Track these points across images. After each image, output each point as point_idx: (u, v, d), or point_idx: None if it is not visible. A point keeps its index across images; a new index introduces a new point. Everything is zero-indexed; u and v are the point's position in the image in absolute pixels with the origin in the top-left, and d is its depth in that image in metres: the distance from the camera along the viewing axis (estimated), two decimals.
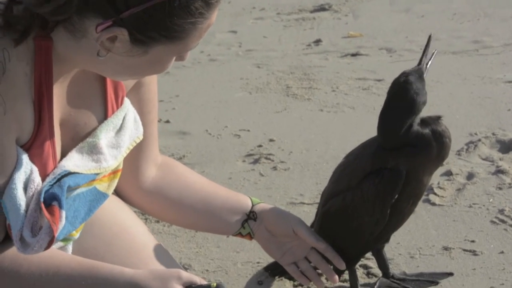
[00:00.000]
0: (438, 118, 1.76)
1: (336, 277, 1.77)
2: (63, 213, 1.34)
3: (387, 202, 1.72)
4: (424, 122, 1.74)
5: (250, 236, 1.77)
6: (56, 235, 1.33)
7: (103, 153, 1.46)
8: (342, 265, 1.77)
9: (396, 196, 1.72)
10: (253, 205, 1.77)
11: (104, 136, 1.47)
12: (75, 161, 1.42)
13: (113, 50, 1.26)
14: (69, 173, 1.39)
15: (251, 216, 1.75)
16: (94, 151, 1.45)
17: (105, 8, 1.22)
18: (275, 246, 1.77)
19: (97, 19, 1.23)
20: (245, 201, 1.77)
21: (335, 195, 1.80)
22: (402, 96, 1.70)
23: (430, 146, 1.71)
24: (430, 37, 1.76)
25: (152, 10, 1.21)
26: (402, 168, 1.71)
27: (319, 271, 1.82)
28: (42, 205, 1.33)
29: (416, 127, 1.71)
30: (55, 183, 1.36)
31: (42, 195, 1.33)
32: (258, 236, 1.77)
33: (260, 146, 2.89)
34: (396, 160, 1.71)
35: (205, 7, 1.25)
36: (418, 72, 1.73)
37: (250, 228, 1.75)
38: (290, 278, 2.02)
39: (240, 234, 1.77)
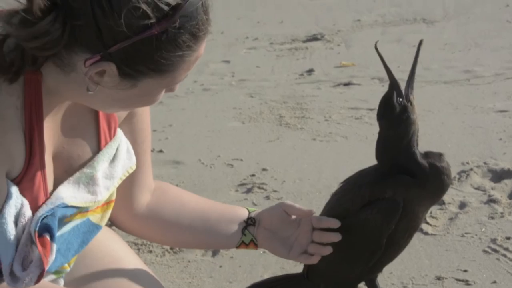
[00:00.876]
0: (440, 154, 1.76)
1: (339, 235, 1.72)
2: (54, 247, 1.34)
3: (384, 233, 1.72)
4: (426, 155, 1.74)
5: (254, 243, 1.73)
6: (47, 268, 1.32)
7: (99, 185, 1.46)
8: (336, 223, 1.73)
9: (393, 227, 1.72)
10: (249, 213, 1.75)
11: (101, 167, 1.48)
12: (71, 192, 1.42)
13: (102, 84, 1.27)
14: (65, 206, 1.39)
15: (249, 222, 1.73)
16: (91, 182, 1.45)
17: (93, 43, 1.23)
18: (280, 243, 1.73)
19: (85, 54, 1.24)
20: (242, 211, 1.75)
21: None
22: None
23: (428, 178, 1.71)
24: (421, 42, 1.75)
25: (140, 44, 1.22)
26: (399, 199, 1.71)
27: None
28: (36, 235, 1.32)
29: (417, 154, 1.71)
30: (52, 213, 1.36)
31: (38, 225, 1.33)
32: (261, 240, 1.73)
33: (253, 175, 2.90)
34: (394, 190, 1.71)
35: (192, 40, 1.26)
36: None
37: (251, 234, 1.72)
38: None
39: (243, 244, 1.74)
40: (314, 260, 1.73)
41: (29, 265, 1.33)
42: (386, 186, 1.72)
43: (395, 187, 1.70)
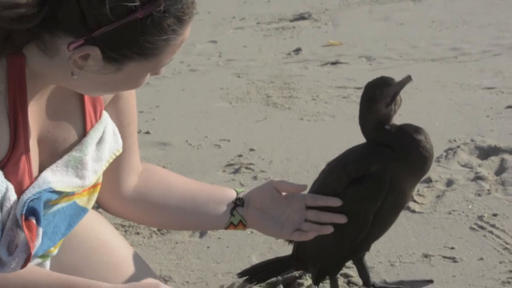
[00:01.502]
0: (417, 128, 1.76)
1: (344, 217, 1.72)
2: (40, 231, 1.33)
3: (371, 209, 1.73)
4: (403, 129, 1.74)
5: (242, 224, 1.72)
6: (33, 252, 1.32)
7: (88, 169, 1.45)
8: (338, 202, 1.73)
9: (380, 203, 1.73)
10: (237, 193, 1.75)
11: (90, 151, 1.47)
12: (59, 176, 1.41)
13: (86, 68, 1.26)
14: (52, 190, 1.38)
15: (237, 202, 1.72)
16: (79, 166, 1.44)
17: (76, 27, 1.21)
18: (271, 222, 1.71)
19: (68, 38, 1.23)
20: (230, 192, 1.75)
21: None
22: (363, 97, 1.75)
23: (406, 150, 1.71)
24: (409, 77, 1.78)
25: (124, 28, 1.21)
26: (384, 174, 1.72)
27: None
28: (22, 218, 1.31)
29: (388, 127, 1.72)
30: (38, 196, 1.35)
31: (25, 208, 1.32)
32: (250, 220, 1.72)
33: (240, 156, 2.90)
34: (378, 165, 1.71)
35: (177, 24, 1.25)
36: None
37: (240, 214, 1.72)
38: (268, 287, 2.02)
39: (232, 225, 1.73)
40: (310, 236, 1.71)
41: (15, 250, 1.32)
42: (371, 162, 1.72)
43: (379, 163, 1.71)
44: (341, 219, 1.71)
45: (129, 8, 1.20)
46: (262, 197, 1.71)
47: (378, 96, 1.73)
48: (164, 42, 1.25)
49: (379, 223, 1.76)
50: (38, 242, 1.34)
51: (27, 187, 1.37)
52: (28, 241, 1.31)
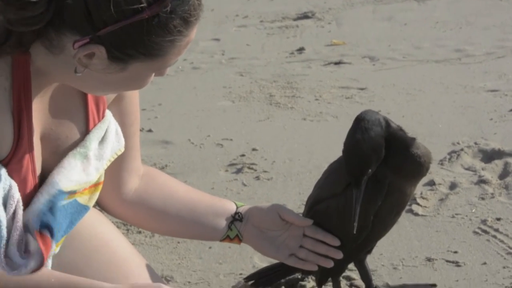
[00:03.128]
0: (410, 146, 1.73)
1: (340, 253, 1.74)
2: (54, 245, 1.34)
3: (370, 210, 1.72)
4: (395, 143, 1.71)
5: (238, 238, 1.75)
6: (45, 264, 1.33)
7: (91, 164, 1.46)
8: (336, 241, 1.74)
9: (379, 203, 1.72)
10: (237, 207, 1.76)
11: (93, 147, 1.47)
12: (67, 173, 1.41)
13: (91, 66, 1.26)
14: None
15: (236, 217, 1.74)
16: (85, 161, 1.44)
17: (82, 25, 1.21)
18: (267, 242, 1.74)
19: (74, 36, 1.22)
20: (230, 205, 1.76)
21: (319, 202, 1.79)
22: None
23: (402, 167, 1.71)
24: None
25: (129, 28, 1.21)
26: (385, 176, 1.71)
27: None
28: (36, 234, 1.33)
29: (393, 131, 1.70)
30: (50, 206, 1.36)
31: (38, 224, 1.33)
32: (247, 236, 1.74)
33: (243, 155, 2.88)
34: (379, 168, 1.71)
35: (183, 25, 1.24)
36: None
37: (237, 229, 1.73)
38: None
39: (228, 238, 1.75)
40: (308, 266, 1.74)
41: (27, 257, 1.33)
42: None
43: (380, 166, 1.69)
44: (336, 254, 1.73)
45: (135, 8, 1.20)
46: (263, 218, 1.73)
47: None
48: (170, 43, 1.25)
49: (379, 223, 1.76)
50: (51, 253, 1.36)
51: (33, 189, 1.37)
52: (43, 253, 1.32)
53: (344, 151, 1.68)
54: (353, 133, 1.65)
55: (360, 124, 1.65)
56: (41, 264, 1.34)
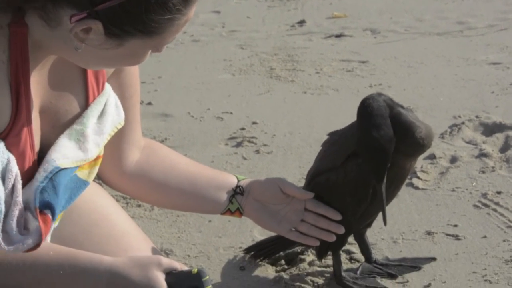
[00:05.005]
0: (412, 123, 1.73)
1: (342, 227, 1.74)
2: (54, 225, 1.34)
3: (369, 183, 1.72)
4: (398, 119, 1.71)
5: (239, 212, 1.74)
6: (43, 242, 1.33)
7: (89, 141, 1.45)
8: (337, 216, 1.74)
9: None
10: (238, 181, 1.75)
11: (91, 123, 1.46)
12: (63, 151, 1.40)
13: (87, 41, 1.25)
14: (59, 170, 1.37)
15: (237, 190, 1.74)
16: (81, 139, 1.43)
17: (80, 0, 1.19)
18: (268, 215, 1.74)
19: (71, 10, 1.21)
20: (231, 178, 1.76)
21: (319, 174, 1.79)
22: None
23: (405, 138, 1.70)
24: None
25: (128, 5, 1.19)
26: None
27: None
28: (37, 212, 1.32)
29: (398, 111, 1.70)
30: (48, 181, 1.35)
31: (37, 200, 1.33)
32: (248, 210, 1.74)
33: (243, 129, 2.87)
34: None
35: (182, 3, 1.23)
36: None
37: (238, 202, 1.73)
38: (272, 263, 2.01)
39: (229, 211, 1.75)
40: (310, 241, 1.74)
41: (26, 234, 1.33)
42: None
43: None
44: (338, 229, 1.72)
45: None
46: (264, 191, 1.73)
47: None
48: (168, 21, 1.24)
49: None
50: (50, 233, 1.35)
51: (31, 164, 1.36)
52: (42, 232, 1.31)
53: (364, 151, 1.67)
54: (367, 131, 1.65)
55: (371, 120, 1.65)
56: (39, 242, 1.33)
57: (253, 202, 1.73)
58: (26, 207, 1.35)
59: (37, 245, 1.34)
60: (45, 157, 1.39)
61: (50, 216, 1.35)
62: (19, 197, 1.33)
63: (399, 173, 1.75)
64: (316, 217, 1.75)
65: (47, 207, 1.35)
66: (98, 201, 1.69)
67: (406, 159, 1.74)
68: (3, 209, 1.31)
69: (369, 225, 1.90)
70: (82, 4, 1.20)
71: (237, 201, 1.73)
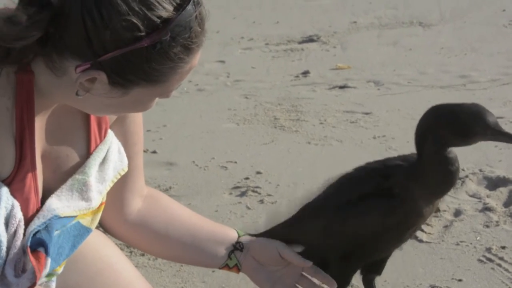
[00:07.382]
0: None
1: None
2: (49, 261, 1.33)
3: (379, 224, 1.69)
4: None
5: (237, 268, 1.74)
6: (38, 282, 1.31)
7: (92, 190, 1.45)
8: (333, 285, 1.73)
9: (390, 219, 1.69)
10: (239, 236, 1.75)
11: (93, 172, 1.46)
12: (65, 202, 1.40)
13: (93, 91, 1.26)
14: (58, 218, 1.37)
15: (237, 246, 1.73)
16: (84, 189, 1.43)
17: (83, 51, 1.21)
18: (264, 276, 1.74)
19: (76, 61, 1.23)
20: (231, 233, 1.76)
21: (333, 208, 1.77)
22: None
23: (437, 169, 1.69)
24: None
25: (130, 55, 1.21)
26: (399, 192, 1.68)
27: None
28: (28, 250, 1.31)
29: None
30: (44, 227, 1.35)
31: (29, 240, 1.32)
32: (245, 267, 1.74)
33: (247, 178, 2.88)
34: (396, 181, 1.68)
35: (185, 52, 1.24)
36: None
37: (237, 259, 1.73)
38: None
39: (227, 267, 1.75)
40: None
41: (21, 275, 1.31)
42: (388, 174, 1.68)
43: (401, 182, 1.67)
44: None
45: (134, 36, 1.20)
46: (263, 252, 1.73)
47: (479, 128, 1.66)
48: (171, 70, 1.25)
49: (387, 240, 1.73)
50: (45, 271, 1.34)
51: (33, 214, 1.36)
52: (35, 271, 1.30)
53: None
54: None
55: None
56: (34, 281, 1.32)
57: (251, 260, 1.73)
58: (23, 249, 1.35)
59: (33, 284, 1.32)
60: (45, 204, 1.38)
61: (43, 252, 1.34)
62: (18, 241, 1.33)
63: (428, 211, 1.72)
64: (311, 284, 1.74)
65: (40, 245, 1.34)
66: (103, 250, 1.68)
67: (428, 200, 1.71)
68: (4, 256, 1.31)
69: (378, 272, 1.87)
70: (85, 55, 1.21)
71: (236, 257, 1.73)
